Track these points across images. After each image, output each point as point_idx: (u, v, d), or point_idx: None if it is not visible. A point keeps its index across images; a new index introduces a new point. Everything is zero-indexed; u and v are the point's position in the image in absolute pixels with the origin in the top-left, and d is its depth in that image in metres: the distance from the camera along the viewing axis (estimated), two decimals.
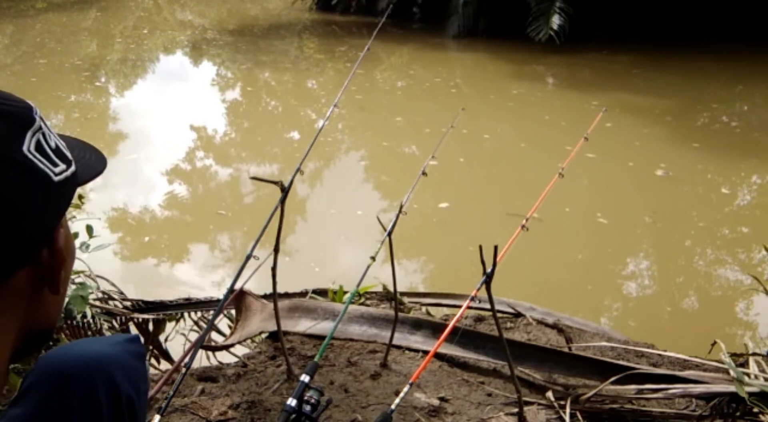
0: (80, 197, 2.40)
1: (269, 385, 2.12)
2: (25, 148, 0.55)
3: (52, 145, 0.58)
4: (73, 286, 2.11)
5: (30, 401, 0.71)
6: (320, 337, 2.39)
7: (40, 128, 0.57)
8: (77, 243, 2.25)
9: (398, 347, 2.33)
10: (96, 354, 0.77)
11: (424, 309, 2.78)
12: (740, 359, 2.08)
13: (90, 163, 0.67)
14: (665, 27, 10.37)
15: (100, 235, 2.26)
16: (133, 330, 2.64)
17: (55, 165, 0.58)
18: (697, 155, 6.05)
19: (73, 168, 0.61)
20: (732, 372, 1.86)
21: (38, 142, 0.56)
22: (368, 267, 1.97)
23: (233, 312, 2.65)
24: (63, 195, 0.59)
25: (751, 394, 1.77)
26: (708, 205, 5.13)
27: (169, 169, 6.03)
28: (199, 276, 4.11)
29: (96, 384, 0.70)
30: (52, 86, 8.43)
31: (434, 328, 2.38)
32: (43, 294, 0.58)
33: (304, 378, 1.41)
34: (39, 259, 0.56)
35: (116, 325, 2.53)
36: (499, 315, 2.07)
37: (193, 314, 2.69)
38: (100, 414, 0.70)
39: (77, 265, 2.37)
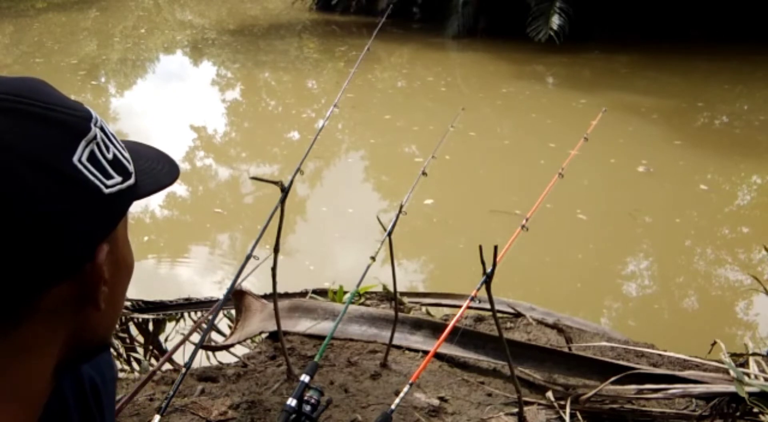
0: None
1: (269, 385, 2.12)
2: (75, 158, 0.54)
3: (110, 156, 0.57)
4: None
5: None
6: (320, 337, 2.39)
7: (95, 138, 0.56)
8: None
9: (398, 347, 2.33)
10: None
11: (424, 309, 2.78)
12: (740, 359, 2.08)
13: (159, 175, 0.65)
14: (664, 27, 10.38)
15: None
16: (133, 330, 2.64)
17: (109, 177, 0.56)
18: (688, 153, 6.08)
19: (131, 181, 0.59)
20: (732, 372, 1.86)
21: (92, 153, 0.55)
22: (368, 267, 1.97)
23: (233, 312, 2.65)
24: (113, 208, 0.57)
25: (751, 394, 1.77)
26: (707, 204, 5.13)
27: None
28: (199, 276, 4.12)
29: None
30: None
31: (434, 328, 2.38)
32: (88, 309, 0.58)
33: (304, 378, 1.41)
34: (82, 273, 0.55)
35: (116, 325, 2.52)
36: (499, 315, 2.07)
37: (193, 314, 2.69)
38: (65, 400, 0.70)
39: None
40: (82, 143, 0.55)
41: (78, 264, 0.55)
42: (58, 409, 0.68)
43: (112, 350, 2.47)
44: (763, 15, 10.14)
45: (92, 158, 0.55)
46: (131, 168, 0.60)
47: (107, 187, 0.56)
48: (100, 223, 0.56)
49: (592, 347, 2.38)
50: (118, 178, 0.57)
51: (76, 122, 0.55)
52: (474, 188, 5.37)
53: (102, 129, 0.58)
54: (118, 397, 1.98)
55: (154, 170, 0.66)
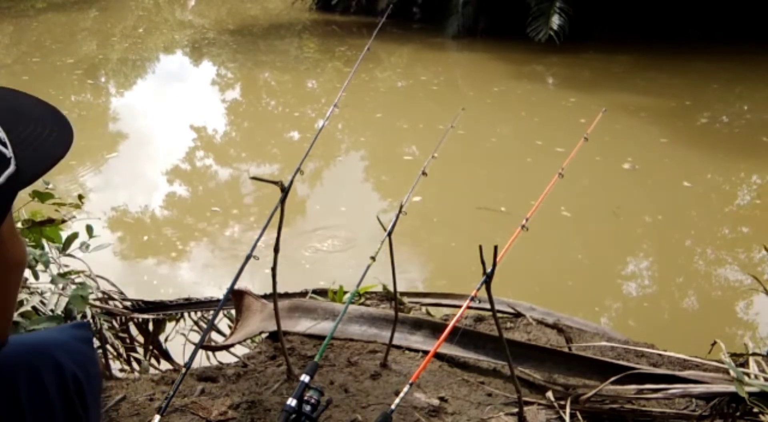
0: (80, 197, 2.40)
1: (269, 385, 2.12)
2: None
3: None
4: (73, 286, 2.11)
5: None
6: (320, 337, 2.38)
7: None
8: (77, 243, 2.25)
9: (398, 347, 2.33)
10: (38, 341, 0.74)
11: (424, 309, 2.78)
12: (740, 359, 2.08)
13: (47, 144, 0.53)
14: (664, 27, 10.37)
15: (100, 235, 2.26)
16: (134, 330, 2.64)
17: None
18: (676, 151, 6.10)
19: (10, 169, 0.49)
20: (732, 372, 1.86)
21: None
22: (368, 267, 1.97)
23: (233, 312, 2.65)
24: None
25: (751, 394, 1.77)
26: (707, 205, 5.13)
27: (168, 169, 6.03)
28: (199, 276, 4.11)
29: (40, 367, 0.68)
30: (45, 85, 8.40)
31: (434, 328, 2.38)
32: None
33: (304, 378, 1.41)
34: None
35: (116, 325, 2.53)
36: (499, 315, 2.07)
37: (193, 314, 2.69)
38: (47, 395, 0.68)
39: (77, 265, 2.37)
40: None
41: None
42: (41, 407, 0.67)
43: (112, 349, 2.48)
44: (763, 15, 10.13)
45: None
46: (9, 152, 0.49)
47: None
48: None
49: (592, 347, 2.38)
50: None
51: None
52: (462, 185, 5.35)
53: None
54: (119, 397, 1.98)
55: (40, 137, 0.53)
